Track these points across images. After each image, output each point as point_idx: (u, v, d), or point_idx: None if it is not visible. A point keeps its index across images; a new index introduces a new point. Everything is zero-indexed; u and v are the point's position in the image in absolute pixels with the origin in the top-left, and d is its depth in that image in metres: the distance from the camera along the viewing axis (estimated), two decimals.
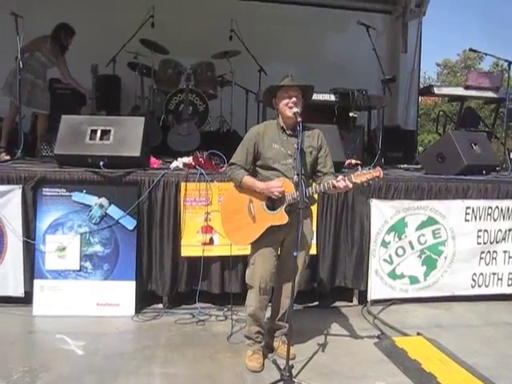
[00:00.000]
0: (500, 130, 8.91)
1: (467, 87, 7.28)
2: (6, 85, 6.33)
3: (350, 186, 3.54)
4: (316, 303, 5.24)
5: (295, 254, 3.48)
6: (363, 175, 3.52)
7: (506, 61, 6.61)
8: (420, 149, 11.98)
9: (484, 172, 5.80)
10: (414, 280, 5.27)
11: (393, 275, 5.22)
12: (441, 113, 9.17)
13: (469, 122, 7.82)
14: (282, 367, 3.56)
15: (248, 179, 3.73)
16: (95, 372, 3.67)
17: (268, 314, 4.07)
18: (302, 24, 9.08)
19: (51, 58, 6.58)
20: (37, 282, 4.71)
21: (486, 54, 7.05)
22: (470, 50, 7.20)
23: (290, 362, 3.57)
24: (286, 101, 3.71)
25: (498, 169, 6.30)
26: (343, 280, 5.26)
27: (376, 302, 5.17)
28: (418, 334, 4.45)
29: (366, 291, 5.17)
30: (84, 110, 7.18)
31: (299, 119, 3.61)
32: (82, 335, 4.24)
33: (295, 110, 3.65)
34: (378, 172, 3.51)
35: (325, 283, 5.20)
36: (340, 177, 3.57)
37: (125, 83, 8.43)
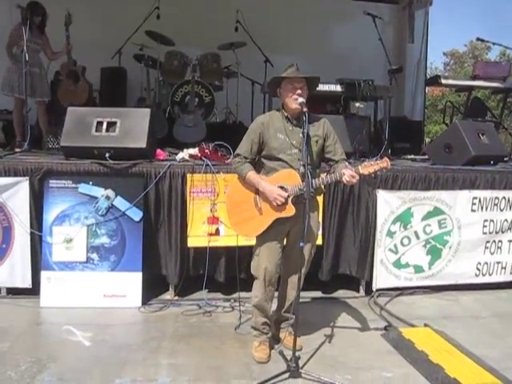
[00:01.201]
0: (508, 120, 8.88)
1: (475, 77, 7.22)
2: (4, 85, 6.27)
3: (357, 177, 3.53)
4: (320, 293, 5.25)
5: (301, 244, 3.47)
6: (370, 166, 3.52)
7: None
8: (427, 140, 11.93)
9: (492, 162, 5.77)
10: (418, 269, 5.30)
11: (398, 264, 5.24)
12: (448, 103, 9.10)
13: (476, 113, 7.75)
14: (289, 358, 3.56)
15: (252, 176, 3.70)
16: (102, 363, 3.68)
17: (274, 305, 4.08)
18: (308, 14, 9.02)
19: (35, 41, 6.35)
20: (44, 274, 4.73)
21: (493, 44, 7.00)
22: (478, 39, 7.15)
23: (297, 353, 3.58)
24: (290, 92, 3.69)
25: (505, 159, 6.25)
26: (348, 268, 5.29)
27: (381, 290, 5.19)
28: (425, 325, 4.44)
29: (370, 281, 5.19)
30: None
31: (305, 109, 3.59)
32: (89, 326, 4.26)
33: (300, 100, 3.62)
34: (385, 163, 3.51)
35: (328, 271, 5.23)
36: (348, 168, 3.55)
37: (131, 75, 8.41)
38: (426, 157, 6.35)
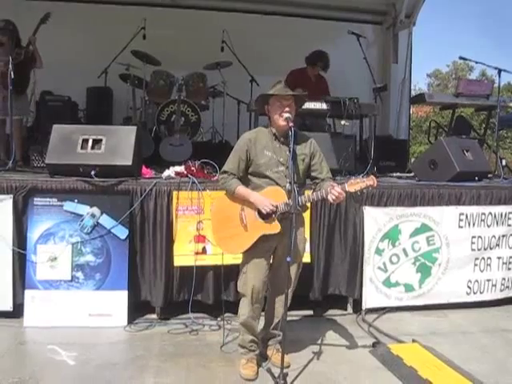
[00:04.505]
0: (491, 138, 8.96)
1: (458, 95, 7.29)
2: None
3: (344, 195, 3.52)
4: (310, 312, 5.18)
5: (288, 259, 3.45)
6: (357, 184, 3.52)
7: (495, 68, 6.62)
8: (412, 160, 12.01)
9: (476, 178, 5.80)
10: (409, 288, 5.24)
11: (388, 283, 5.19)
12: (432, 123, 9.16)
13: (460, 131, 7.81)
14: (277, 375, 3.54)
15: (242, 189, 3.70)
16: (86, 382, 3.63)
17: (261, 322, 4.04)
18: (293, 34, 9.09)
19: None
20: (28, 293, 4.64)
21: (476, 62, 7.03)
22: (460, 57, 7.17)
23: (285, 371, 3.55)
24: (279, 109, 3.69)
25: (489, 176, 6.29)
26: (337, 288, 5.23)
27: (370, 310, 5.14)
28: (414, 341, 4.42)
29: (360, 299, 5.13)
30: None
31: (291, 124, 3.60)
32: (74, 346, 4.18)
33: (287, 115, 3.64)
34: (371, 181, 3.51)
35: (319, 291, 5.17)
36: (334, 185, 3.55)
37: (117, 95, 8.41)
38: (412, 174, 6.37)
